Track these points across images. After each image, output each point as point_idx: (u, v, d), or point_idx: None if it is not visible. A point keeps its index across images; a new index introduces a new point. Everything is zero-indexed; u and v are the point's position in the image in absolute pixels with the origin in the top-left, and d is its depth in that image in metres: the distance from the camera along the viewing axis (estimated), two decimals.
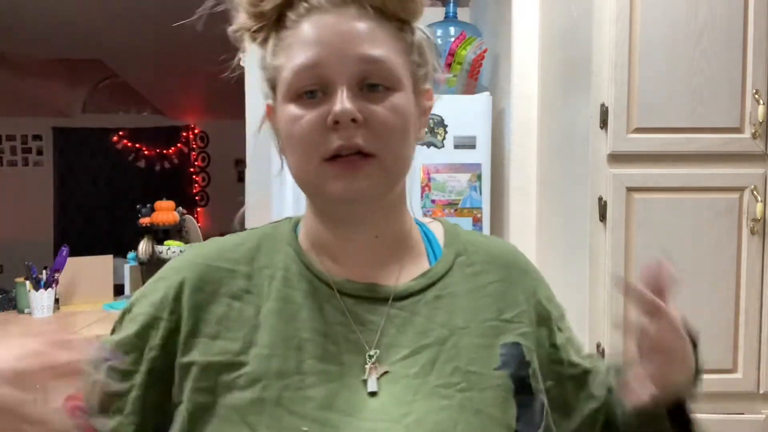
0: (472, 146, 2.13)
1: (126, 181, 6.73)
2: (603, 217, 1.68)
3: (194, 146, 7.13)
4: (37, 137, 6.78)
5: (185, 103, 6.66)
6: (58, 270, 2.53)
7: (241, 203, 2.92)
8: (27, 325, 2.34)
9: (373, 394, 0.63)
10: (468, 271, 0.72)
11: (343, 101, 0.61)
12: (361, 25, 0.63)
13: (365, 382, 0.64)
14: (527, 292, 0.73)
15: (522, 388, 0.67)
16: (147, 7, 3.86)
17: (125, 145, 6.85)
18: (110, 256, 2.83)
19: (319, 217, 0.71)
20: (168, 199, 2.91)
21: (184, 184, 7.04)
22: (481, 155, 2.14)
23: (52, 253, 5.83)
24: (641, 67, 1.66)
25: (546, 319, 0.74)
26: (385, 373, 0.64)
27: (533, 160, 2.28)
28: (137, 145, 6.89)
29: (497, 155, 2.24)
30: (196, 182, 7.11)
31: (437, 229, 0.77)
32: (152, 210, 2.86)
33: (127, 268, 2.90)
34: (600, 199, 1.70)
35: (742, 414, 1.68)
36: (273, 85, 0.68)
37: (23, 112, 6.49)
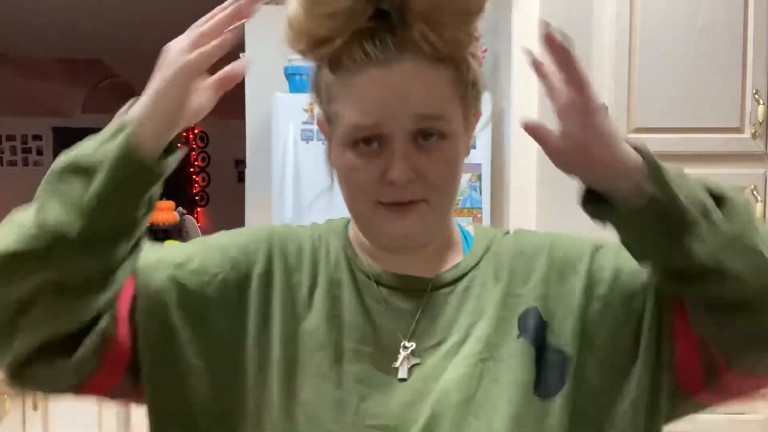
0: (472, 146, 2.12)
1: None
2: None
3: (194, 146, 7.13)
4: (37, 137, 6.77)
5: None
6: None
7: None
8: None
9: (402, 380, 0.68)
10: (496, 260, 0.75)
11: (400, 166, 0.64)
12: (418, 82, 0.65)
13: (397, 369, 0.69)
14: (547, 255, 0.74)
15: (540, 353, 0.69)
16: (147, 7, 3.86)
17: None
18: None
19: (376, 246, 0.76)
20: (168, 199, 2.91)
21: (184, 184, 7.03)
22: (481, 155, 2.14)
23: None
24: (641, 67, 1.66)
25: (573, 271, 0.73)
26: (417, 364, 0.69)
27: (533, 160, 2.28)
28: None
29: (497, 155, 2.24)
30: (196, 182, 7.11)
31: (472, 230, 0.81)
32: None
33: None
34: None
35: (742, 414, 1.68)
36: (328, 119, 0.70)
37: (23, 112, 6.49)
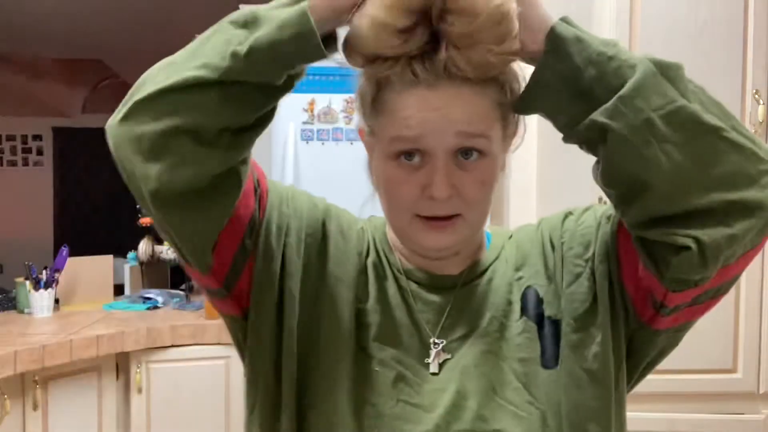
0: None
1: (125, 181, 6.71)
2: None
3: None
4: (37, 137, 6.77)
5: None
6: (58, 270, 2.53)
7: None
8: (27, 325, 2.34)
9: (434, 374, 0.74)
10: (512, 248, 0.81)
11: (441, 183, 0.67)
12: (461, 103, 0.67)
13: (428, 364, 0.74)
14: (536, 235, 0.81)
15: (540, 326, 0.75)
16: (147, 7, 3.86)
17: None
18: (110, 256, 2.83)
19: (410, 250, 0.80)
20: None
21: None
22: None
23: (52, 253, 5.83)
24: None
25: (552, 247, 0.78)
26: (449, 359, 0.74)
27: (533, 160, 2.28)
28: None
29: None
30: None
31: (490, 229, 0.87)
32: None
33: (127, 268, 2.90)
34: (600, 199, 1.70)
35: (742, 414, 1.68)
36: (371, 131, 0.74)
37: (23, 112, 6.49)
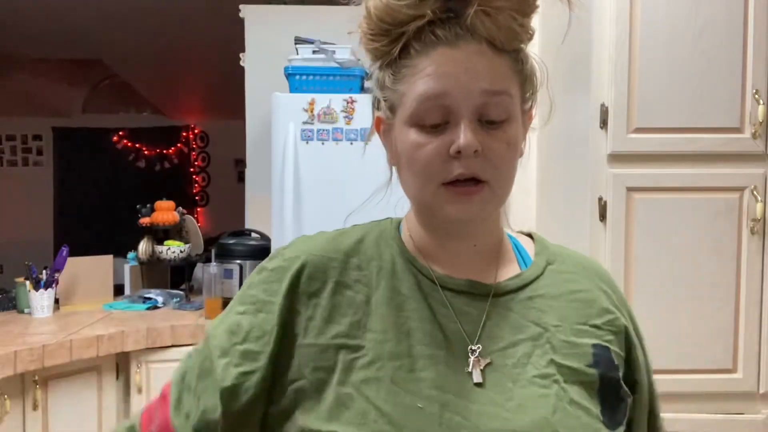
0: None
1: (126, 181, 6.72)
2: (603, 217, 1.68)
3: (194, 146, 7.13)
4: (37, 137, 6.78)
5: (185, 103, 6.66)
6: (58, 270, 2.53)
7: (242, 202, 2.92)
8: (27, 325, 2.34)
9: (478, 384, 0.69)
10: (559, 278, 0.78)
11: (466, 134, 0.67)
12: (483, 60, 0.68)
13: (470, 373, 0.69)
14: (617, 305, 0.78)
15: (607, 388, 0.72)
16: (147, 7, 3.86)
17: (125, 145, 6.85)
18: (110, 256, 2.83)
19: (424, 226, 0.77)
20: (168, 199, 2.91)
21: (184, 184, 7.03)
22: None
23: (52, 253, 5.83)
24: (641, 67, 1.66)
25: (630, 337, 0.78)
26: (489, 364, 0.70)
27: (533, 160, 2.28)
28: (137, 145, 6.89)
29: None
30: (196, 182, 7.11)
31: (525, 241, 0.83)
32: (152, 210, 2.85)
33: (127, 268, 2.90)
34: (600, 199, 1.70)
35: (742, 414, 1.68)
36: (391, 106, 0.73)
37: (23, 112, 6.49)
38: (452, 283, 0.74)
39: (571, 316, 0.74)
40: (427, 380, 0.68)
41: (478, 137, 0.67)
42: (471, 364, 0.69)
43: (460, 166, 0.67)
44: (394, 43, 0.70)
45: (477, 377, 0.69)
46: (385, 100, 0.74)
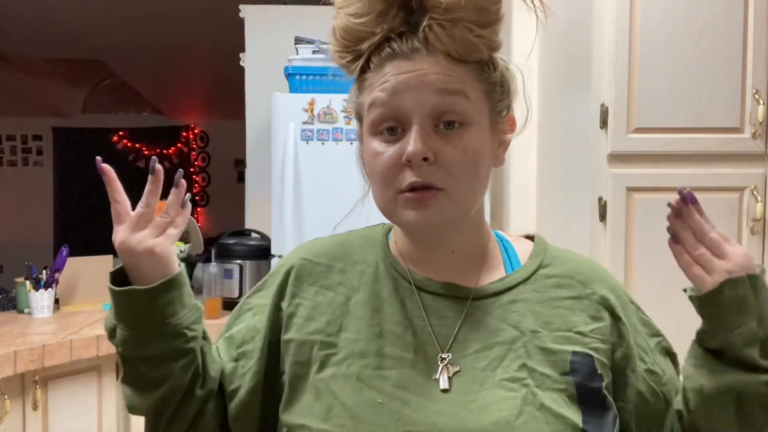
0: None
1: (126, 181, 6.69)
2: (603, 217, 1.68)
3: (194, 146, 7.13)
4: (37, 137, 6.78)
5: (185, 103, 6.66)
6: (58, 270, 2.53)
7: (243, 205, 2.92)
8: (27, 325, 2.34)
9: (444, 390, 0.69)
10: (548, 282, 0.76)
11: (415, 142, 0.67)
12: (437, 68, 0.69)
13: (437, 380, 0.70)
14: (617, 313, 0.76)
15: (587, 398, 0.70)
16: (147, 7, 3.86)
17: (125, 145, 6.85)
18: (110, 256, 2.82)
19: (402, 232, 0.79)
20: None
21: None
22: None
23: (52, 253, 5.83)
24: (641, 67, 1.66)
25: (629, 345, 0.76)
26: (457, 372, 0.70)
27: (533, 160, 2.29)
28: (137, 145, 6.89)
29: None
30: (196, 182, 7.11)
31: (522, 244, 0.82)
32: None
33: None
34: (600, 199, 1.70)
35: None
36: (359, 118, 0.76)
37: (23, 112, 6.49)
38: (431, 286, 0.75)
39: (555, 323, 0.73)
40: (392, 379, 0.70)
41: (431, 144, 0.68)
42: (439, 371, 0.70)
43: (413, 174, 0.68)
44: (358, 59, 0.72)
45: (444, 384, 0.69)
46: (355, 113, 0.77)
